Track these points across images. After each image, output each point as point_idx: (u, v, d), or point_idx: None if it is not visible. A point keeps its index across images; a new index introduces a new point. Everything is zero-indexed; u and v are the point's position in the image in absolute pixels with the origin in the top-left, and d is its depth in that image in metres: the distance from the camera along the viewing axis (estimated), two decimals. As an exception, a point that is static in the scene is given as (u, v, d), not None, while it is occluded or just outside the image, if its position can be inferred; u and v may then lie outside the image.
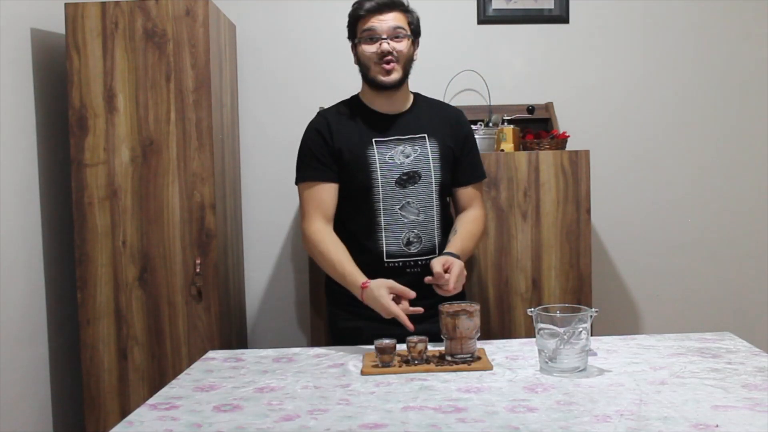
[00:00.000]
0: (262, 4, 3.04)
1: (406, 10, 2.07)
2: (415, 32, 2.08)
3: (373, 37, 2.02)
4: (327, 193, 2.06)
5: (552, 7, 3.06)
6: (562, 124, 2.99)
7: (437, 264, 1.90)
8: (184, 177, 2.53)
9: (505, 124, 2.72)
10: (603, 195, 3.04)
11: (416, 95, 2.18)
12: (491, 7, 3.05)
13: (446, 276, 1.89)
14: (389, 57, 2.00)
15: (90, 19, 2.50)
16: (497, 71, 3.04)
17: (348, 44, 3.01)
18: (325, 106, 2.96)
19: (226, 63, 2.80)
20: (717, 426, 1.31)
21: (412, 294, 1.86)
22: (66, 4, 2.52)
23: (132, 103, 2.52)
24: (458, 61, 3.02)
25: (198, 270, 2.53)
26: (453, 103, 2.98)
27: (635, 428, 1.30)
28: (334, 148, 2.06)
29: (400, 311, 1.83)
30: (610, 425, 1.32)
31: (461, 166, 2.14)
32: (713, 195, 3.14)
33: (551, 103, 2.99)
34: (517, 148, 2.69)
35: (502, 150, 2.66)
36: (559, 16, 3.06)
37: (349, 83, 3.01)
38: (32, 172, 2.53)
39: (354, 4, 2.07)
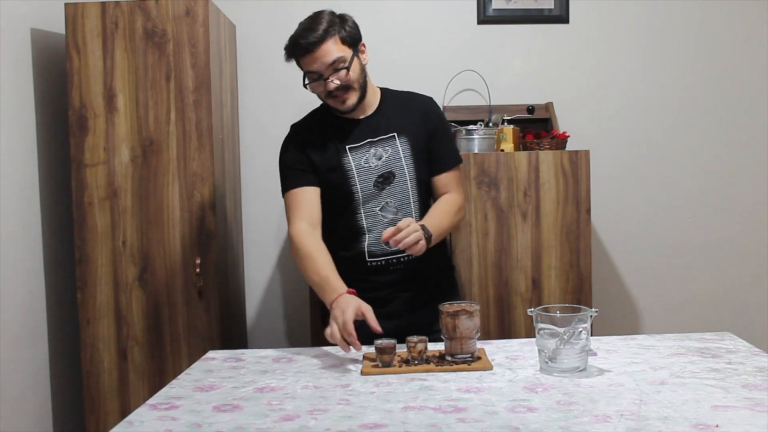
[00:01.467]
0: (262, 4, 3.04)
1: (334, 29, 1.98)
2: (354, 42, 2.02)
3: (317, 78, 2.00)
4: (309, 196, 2.06)
5: (552, 7, 3.05)
6: (562, 124, 2.99)
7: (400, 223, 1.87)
8: (184, 177, 2.53)
9: (505, 124, 2.72)
10: (603, 195, 3.04)
11: (384, 91, 2.16)
12: (491, 7, 3.05)
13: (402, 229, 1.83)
14: (337, 92, 1.99)
15: (90, 19, 2.50)
16: (497, 71, 3.04)
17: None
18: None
19: (226, 63, 2.80)
20: (717, 426, 1.31)
21: (378, 329, 1.78)
22: (66, 4, 2.52)
23: (132, 103, 2.52)
24: (458, 61, 3.02)
25: (198, 270, 2.53)
26: (453, 104, 2.99)
27: (635, 428, 1.30)
28: (312, 158, 2.08)
29: (351, 332, 1.76)
30: (610, 425, 1.32)
31: (434, 155, 2.12)
32: (713, 195, 3.14)
33: (551, 103, 2.99)
34: (517, 148, 2.69)
35: (502, 150, 2.66)
36: (559, 16, 3.06)
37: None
38: (32, 172, 2.53)
39: (285, 48, 2.01)
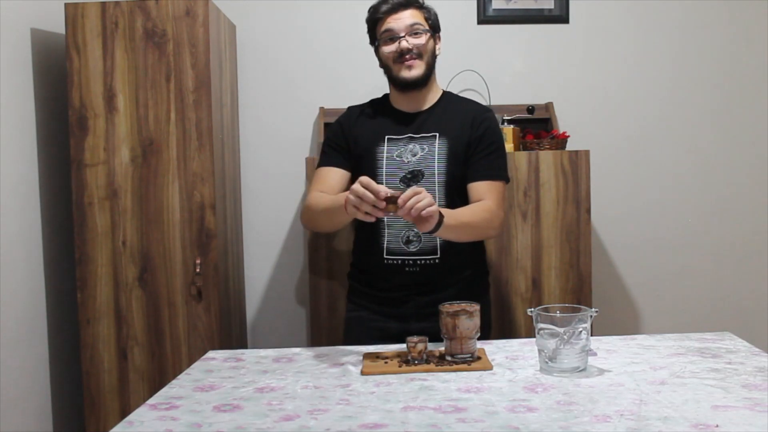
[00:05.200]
0: (262, 4, 3.04)
1: (421, 6, 2.10)
2: (434, 27, 2.11)
3: (393, 37, 2.05)
4: (333, 175, 2.11)
5: (552, 7, 3.05)
6: (562, 124, 2.99)
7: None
8: (184, 177, 2.53)
9: (505, 124, 2.72)
10: (603, 195, 3.04)
11: (445, 94, 2.18)
12: (491, 7, 3.05)
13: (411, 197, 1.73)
14: (407, 56, 2.03)
15: (90, 19, 2.50)
16: (497, 71, 3.04)
17: (347, 45, 3.04)
18: (326, 107, 2.99)
19: (226, 63, 2.80)
20: (717, 426, 1.31)
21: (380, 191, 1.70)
22: (66, 4, 2.52)
23: (132, 103, 2.52)
24: (458, 61, 3.01)
25: (198, 270, 2.53)
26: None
27: (635, 428, 1.30)
28: (349, 140, 2.12)
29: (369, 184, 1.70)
30: (610, 425, 1.32)
31: (471, 161, 2.06)
32: (713, 195, 3.14)
33: (551, 103, 2.99)
34: (517, 148, 2.69)
35: (502, 150, 2.66)
36: (559, 16, 3.06)
37: (349, 83, 3.02)
38: (32, 172, 2.53)
39: (370, 9, 2.11)
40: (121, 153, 2.53)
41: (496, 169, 2.08)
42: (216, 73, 2.61)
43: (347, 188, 2.12)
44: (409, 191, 1.72)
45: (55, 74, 2.67)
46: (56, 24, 2.65)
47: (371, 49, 3.10)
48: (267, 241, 3.09)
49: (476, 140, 2.08)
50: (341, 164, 2.11)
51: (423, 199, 1.72)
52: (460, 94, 3.02)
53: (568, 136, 2.78)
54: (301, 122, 3.06)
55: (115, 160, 2.53)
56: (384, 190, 1.70)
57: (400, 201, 1.71)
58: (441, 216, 1.80)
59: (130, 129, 2.53)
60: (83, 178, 2.53)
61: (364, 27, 3.16)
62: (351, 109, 2.21)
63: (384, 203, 1.70)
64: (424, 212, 1.71)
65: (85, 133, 2.52)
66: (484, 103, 2.98)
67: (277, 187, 3.05)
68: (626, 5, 3.08)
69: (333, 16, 3.04)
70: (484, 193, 2.04)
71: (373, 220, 1.76)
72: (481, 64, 3.01)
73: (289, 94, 3.06)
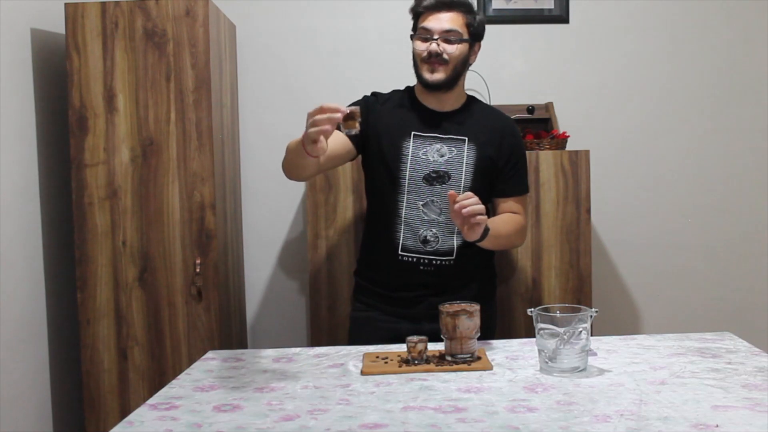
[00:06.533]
0: (262, 4, 3.04)
1: (467, 11, 2.05)
2: (475, 35, 2.07)
3: (426, 37, 2.03)
4: (334, 137, 1.91)
5: (552, 7, 3.05)
6: (562, 124, 2.99)
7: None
8: (184, 177, 2.53)
9: (505, 124, 2.72)
10: (603, 195, 3.04)
11: (471, 98, 2.18)
12: (491, 7, 3.05)
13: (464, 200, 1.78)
14: (434, 59, 2.02)
15: (90, 19, 2.50)
16: (497, 71, 3.04)
17: (348, 45, 3.04)
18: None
19: (226, 63, 2.80)
20: (717, 426, 1.31)
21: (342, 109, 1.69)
22: (66, 4, 2.52)
23: (132, 103, 2.52)
24: (458, 61, 3.01)
25: (198, 270, 2.53)
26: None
27: (635, 428, 1.30)
28: (369, 123, 2.06)
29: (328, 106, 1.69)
30: (610, 425, 1.32)
31: (503, 177, 2.12)
32: (713, 195, 3.14)
33: (551, 103, 2.99)
34: (517, 148, 2.69)
35: (502, 150, 2.66)
36: (559, 16, 3.06)
37: (349, 83, 3.02)
38: (32, 172, 2.53)
39: (416, 0, 2.09)
40: (121, 153, 2.53)
41: (524, 184, 2.17)
42: (216, 73, 2.61)
43: (342, 157, 2.07)
44: (466, 194, 1.78)
45: (55, 74, 2.67)
46: (56, 24, 2.65)
47: (371, 50, 3.11)
48: (267, 241, 3.09)
49: (506, 154, 2.11)
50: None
51: (477, 204, 1.77)
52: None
53: (568, 136, 2.78)
54: (301, 122, 3.03)
55: (115, 160, 2.53)
56: (344, 108, 1.70)
57: (455, 199, 1.77)
58: (487, 228, 1.86)
59: (130, 129, 2.53)
60: (83, 178, 2.53)
61: (365, 27, 3.17)
62: (375, 94, 2.17)
63: (342, 119, 1.69)
64: (476, 218, 1.77)
65: (85, 133, 2.52)
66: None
67: (277, 187, 3.04)
68: (626, 5, 3.08)
69: (333, 15, 3.04)
70: (513, 207, 2.13)
71: (322, 135, 1.69)
72: (481, 64, 2.98)
73: (289, 94, 3.06)
